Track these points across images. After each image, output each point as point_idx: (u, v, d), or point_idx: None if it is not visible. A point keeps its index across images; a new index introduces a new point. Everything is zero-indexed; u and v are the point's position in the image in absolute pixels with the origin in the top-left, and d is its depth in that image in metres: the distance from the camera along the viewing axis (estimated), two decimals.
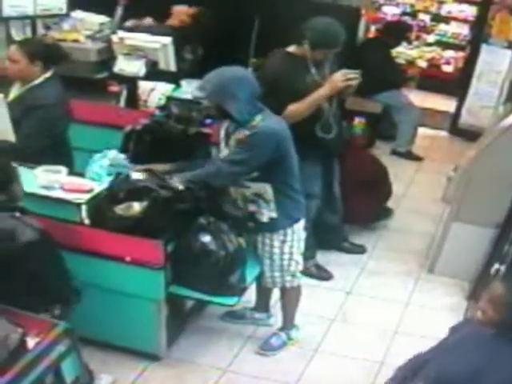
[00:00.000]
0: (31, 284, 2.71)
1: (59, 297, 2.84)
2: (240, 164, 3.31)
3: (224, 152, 3.46)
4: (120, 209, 3.26)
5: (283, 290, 3.72)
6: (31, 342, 2.44)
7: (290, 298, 3.74)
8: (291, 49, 4.05)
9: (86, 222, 3.35)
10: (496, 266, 3.97)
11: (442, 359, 2.45)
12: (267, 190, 3.37)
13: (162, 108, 4.21)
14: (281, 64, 4.03)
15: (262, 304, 3.94)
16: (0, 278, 2.65)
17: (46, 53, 3.72)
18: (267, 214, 3.42)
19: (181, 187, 3.27)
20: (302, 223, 3.56)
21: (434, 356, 2.55)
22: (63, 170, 3.50)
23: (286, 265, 3.56)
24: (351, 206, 4.76)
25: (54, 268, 2.82)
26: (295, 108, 3.89)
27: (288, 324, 3.81)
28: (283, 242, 3.50)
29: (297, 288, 3.70)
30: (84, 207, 3.33)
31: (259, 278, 3.66)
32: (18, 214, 2.72)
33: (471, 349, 2.35)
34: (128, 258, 3.31)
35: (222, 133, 3.52)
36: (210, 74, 3.38)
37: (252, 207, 3.44)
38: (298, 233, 3.54)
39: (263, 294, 3.91)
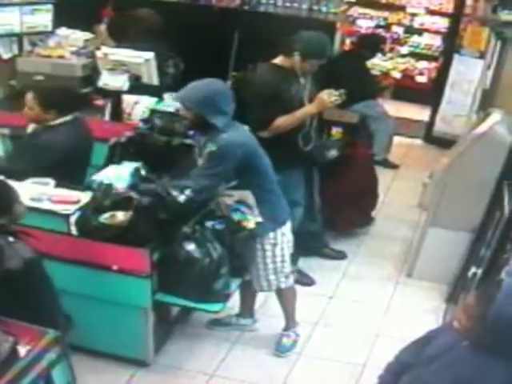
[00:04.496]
0: (18, 308, 2.63)
1: (48, 323, 2.74)
2: (211, 177, 3.37)
3: (199, 164, 3.52)
4: (104, 218, 3.31)
5: (279, 292, 3.81)
6: (22, 350, 2.43)
7: (288, 297, 3.84)
8: (278, 61, 4.12)
9: (74, 232, 3.39)
10: (473, 269, 4.04)
11: (420, 374, 2.47)
12: (249, 195, 3.46)
13: (145, 121, 4.25)
14: (269, 76, 4.10)
15: (247, 309, 4.02)
16: None
17: (60, 101, 3.75)
18: (253, 219, 3.49)
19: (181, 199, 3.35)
20: (288, 225, 3.65)
21: (412, 367, 2.57)
22: (51, 182, 3.56)
23: (279, 267, 3.65)
24: (344, 213, 4.85)
25: (41, 295, 2.75)
26: (282, 121, 4.01)
27: (291, 322, 3.92)
28: (274, 245, 3.59)
29: (292, 287, 3.81)
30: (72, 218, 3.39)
31: (245, 285, 3.73)
32: (11, 239, 2.66)
33: (448, 364, 2.31)
34: (115, 267, 3.35)
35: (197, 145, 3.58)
36: (192, 85, 3.39)
37: (236, 216, 3.51)
38: (287, 235, 3.63)
39: (247, 300, 3.99)
